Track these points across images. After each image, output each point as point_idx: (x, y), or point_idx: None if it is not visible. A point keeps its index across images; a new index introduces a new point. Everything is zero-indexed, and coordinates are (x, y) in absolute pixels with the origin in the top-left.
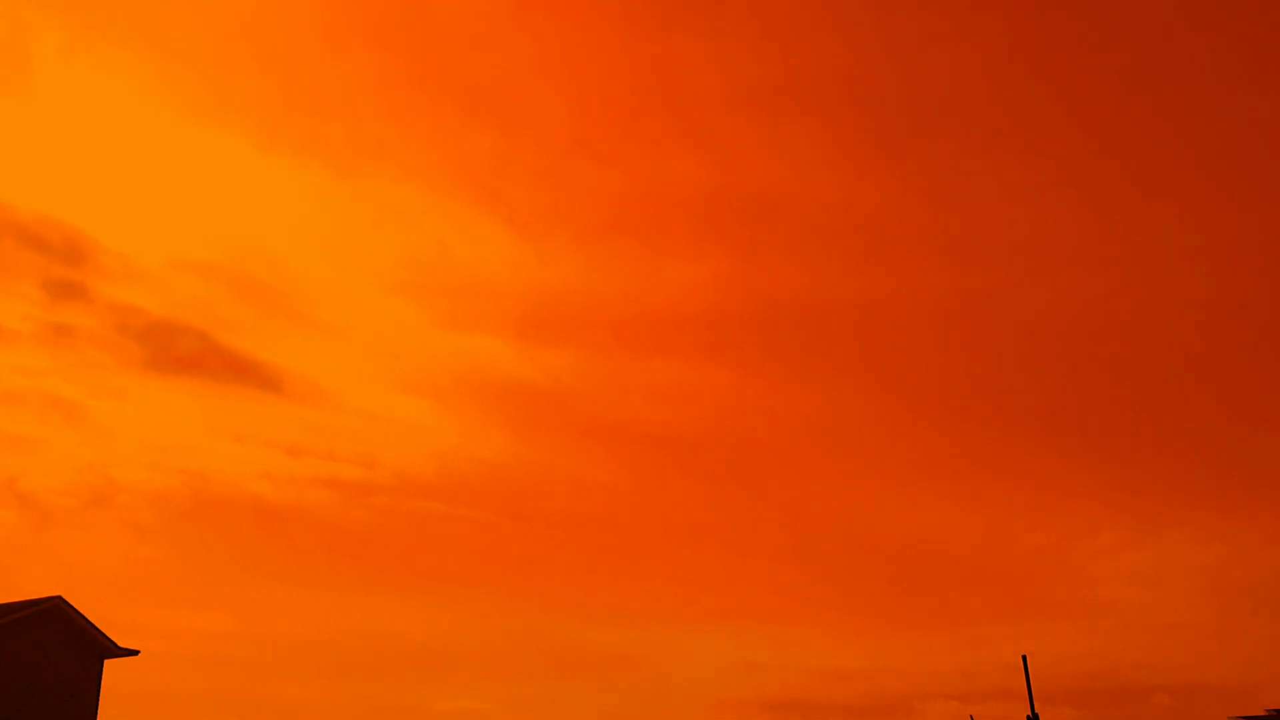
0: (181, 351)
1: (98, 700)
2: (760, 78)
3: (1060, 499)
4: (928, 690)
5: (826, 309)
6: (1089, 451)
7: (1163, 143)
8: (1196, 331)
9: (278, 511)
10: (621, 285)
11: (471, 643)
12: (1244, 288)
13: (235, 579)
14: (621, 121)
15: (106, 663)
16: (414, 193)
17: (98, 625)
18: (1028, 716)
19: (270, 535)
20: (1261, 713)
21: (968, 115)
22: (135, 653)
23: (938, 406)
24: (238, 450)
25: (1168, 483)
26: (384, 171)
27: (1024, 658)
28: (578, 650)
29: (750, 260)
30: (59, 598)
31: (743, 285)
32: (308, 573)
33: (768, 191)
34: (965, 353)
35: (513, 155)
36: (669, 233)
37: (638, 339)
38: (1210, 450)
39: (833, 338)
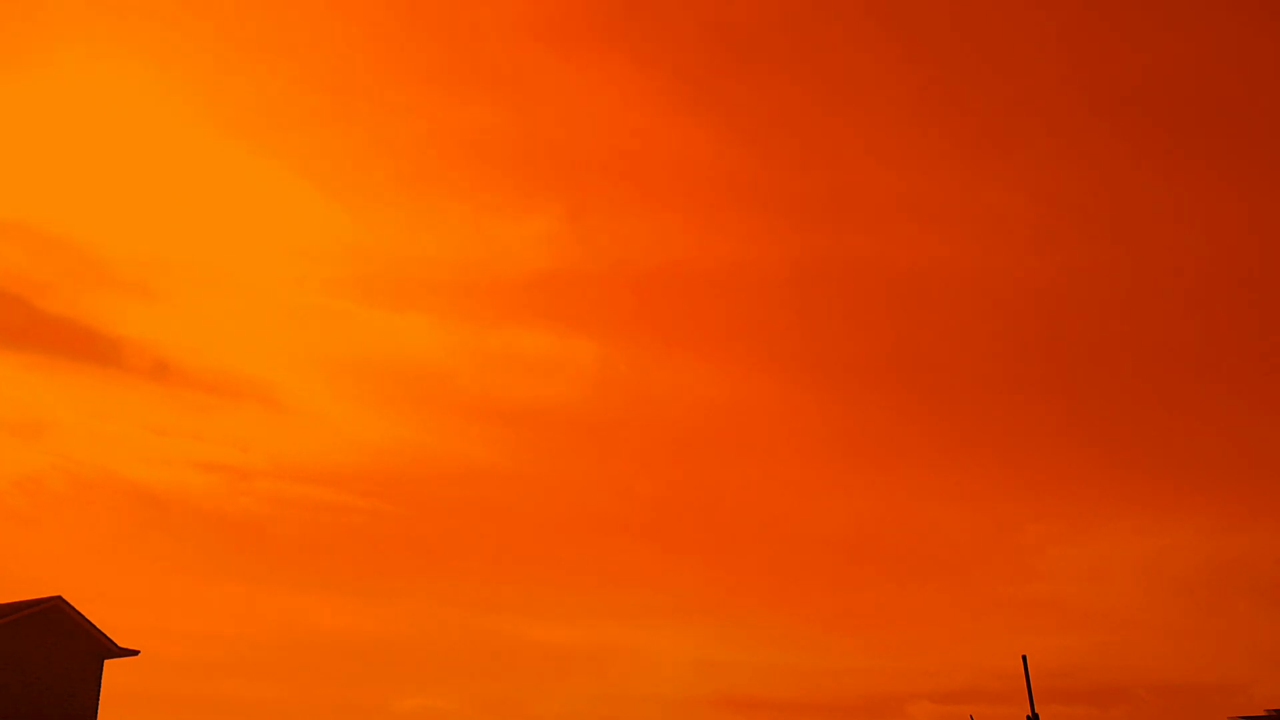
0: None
1: (97, 701)
2: (548, 7)
3: (995, 489)
4: (881, 688)
5: (678, 271)
6: (1021, 439)
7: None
8: (1137, 313)
9: (158, 497)
10: (451, 246)
11: (404, 640)
12: (1174, 265)
13: (133, 569)
14: (401, 66)
15: (106, 663)
16: (237, 152)
17: (98, 625)
18: (1028, 717)
19: (154, 522)
20: (1261, 713)
21: (793, 46)
22: (135, 653)
23: (837, 380)
24: (104, 429)
25: (1104, 474)
26: (203, 131)
27: (1024, 658)
28: (516, 648)
29: (582, 218)
30: (59, 598)
31: (579, 245)
32: (207, 563)
33: (583, 139)
34: (847, 320)
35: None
36: (487, 188)
37: (483, 305)
38: (1147, 441)
39: (698, 303)
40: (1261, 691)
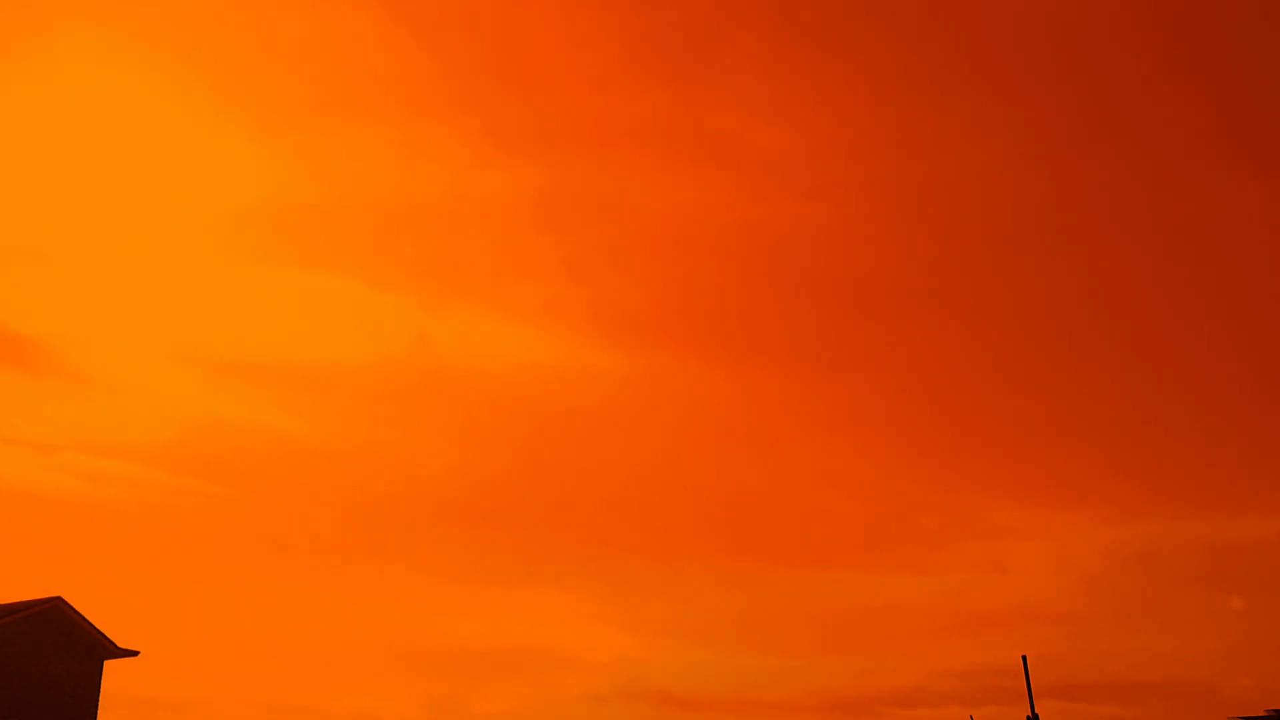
0: None
1: (97, 701)
2: None
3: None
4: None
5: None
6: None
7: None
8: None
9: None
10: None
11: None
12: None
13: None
14: None
15: (106, 664)
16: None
17: (98, 626)
18: (1028, 717)
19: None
20: (1262, 713)
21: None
22: (135, 654)
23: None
24: None
25: (999, 458)
26: None
27: (1024, 658)
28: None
29: (319, 150)
30: (59, 598)
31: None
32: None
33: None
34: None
35: None
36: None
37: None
38: (1050, 430)
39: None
40: (1230, 690)
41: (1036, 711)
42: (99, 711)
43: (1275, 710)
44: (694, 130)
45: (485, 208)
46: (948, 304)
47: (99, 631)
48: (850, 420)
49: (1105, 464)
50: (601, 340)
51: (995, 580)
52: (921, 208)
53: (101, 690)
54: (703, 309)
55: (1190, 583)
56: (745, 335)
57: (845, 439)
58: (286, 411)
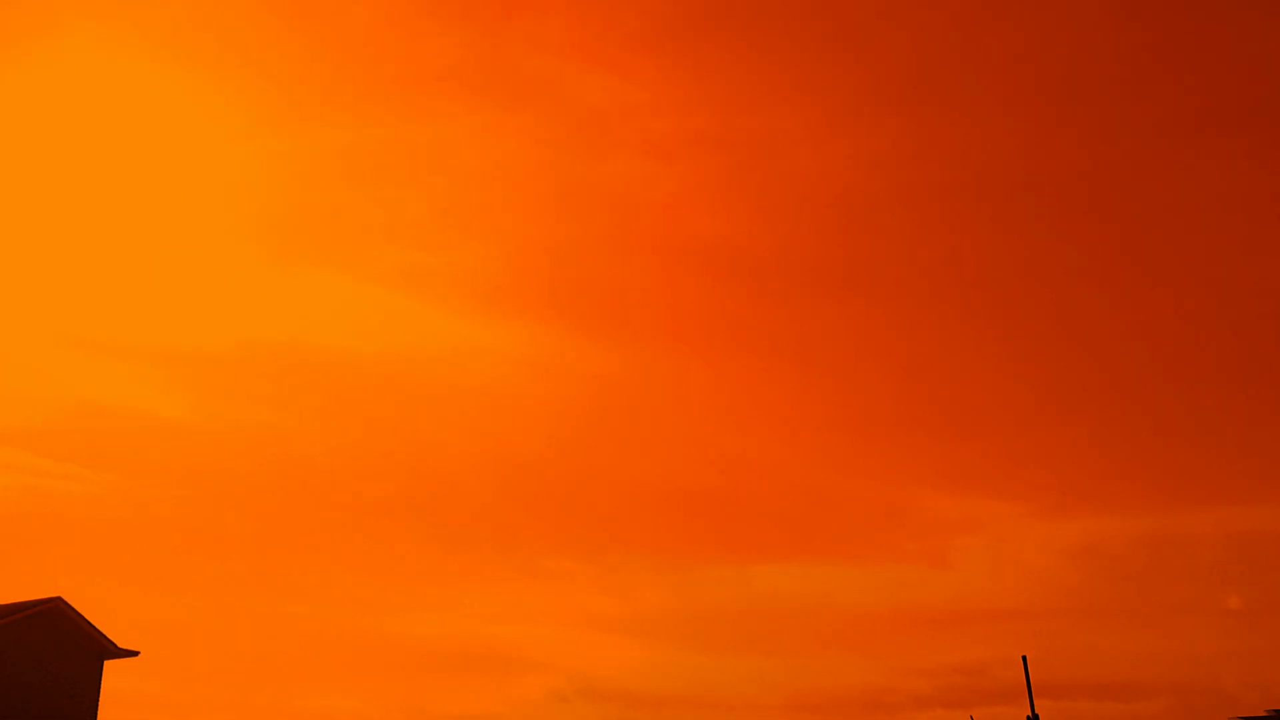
0: None
1: (97, 702)
2: None
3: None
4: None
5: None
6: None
7: None
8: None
9: None
10: None
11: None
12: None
13: None
14: None
15: (106, 664)
16: None
17: (98, 626)
18: (1028, 717)
19: None
20: (1262, 713)
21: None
22: (135, 654)
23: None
24: None
25: (933, 449)
26: None
27: (1024, 658)
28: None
29: None
30: (59, 598)
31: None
32: None
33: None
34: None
35: None
36: None
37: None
38: (989, 421)
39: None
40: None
41: (1036, 711)
42: (99, 711)
43: (1275, 710)
44: (505, 75)
45: (310, 169)
46: (846, 281)
47: (99, 631)
48: (735, 403)
49: (1046, 456)
50: (472, 312)
51: (937, 575)
52: (779, 168)
53: (101, 690)
54: (567, 276)
55: (1134, 578)
56: (629, 308)
57: (741, 424)
58: (162, 393)
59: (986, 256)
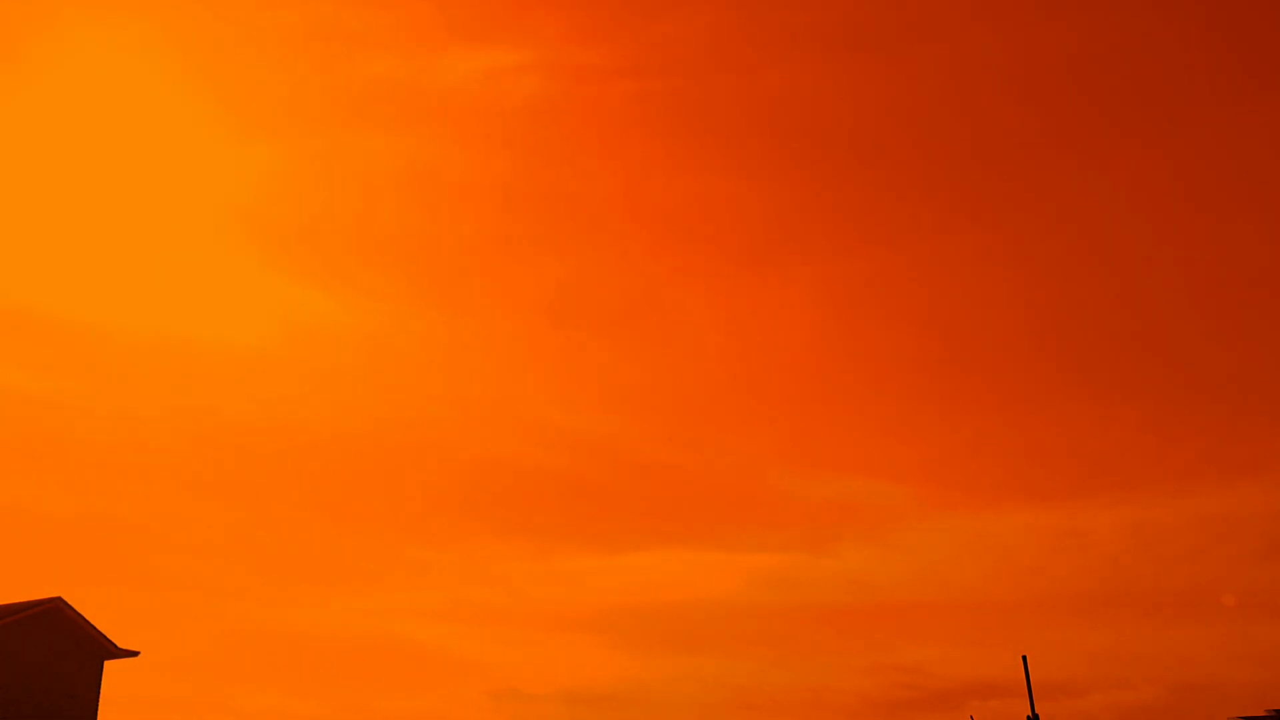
0: None
1: (97, 702)
2: None
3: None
4: None
5: None
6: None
7: None
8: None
9: None
10: None
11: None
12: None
13: None
14: None
15: (106, 664)
16: None
17: (98, 626)
18: (1028, 717)
19: None
20: (1262, 713)
21: None
22: (135, 654)
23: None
24: None
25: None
26: None
27: (1024, 658)
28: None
29: None
30: (59, 599)
31: None
32: None
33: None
34: None
35: None
36: None
37: None
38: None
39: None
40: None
41: (1036, 711)
42: (99, 711)
43: (1275, 710)
44: None
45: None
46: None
47: (99, 632)
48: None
49: (932, 438)
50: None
51: (822, 564)
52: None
53: (101, 690)
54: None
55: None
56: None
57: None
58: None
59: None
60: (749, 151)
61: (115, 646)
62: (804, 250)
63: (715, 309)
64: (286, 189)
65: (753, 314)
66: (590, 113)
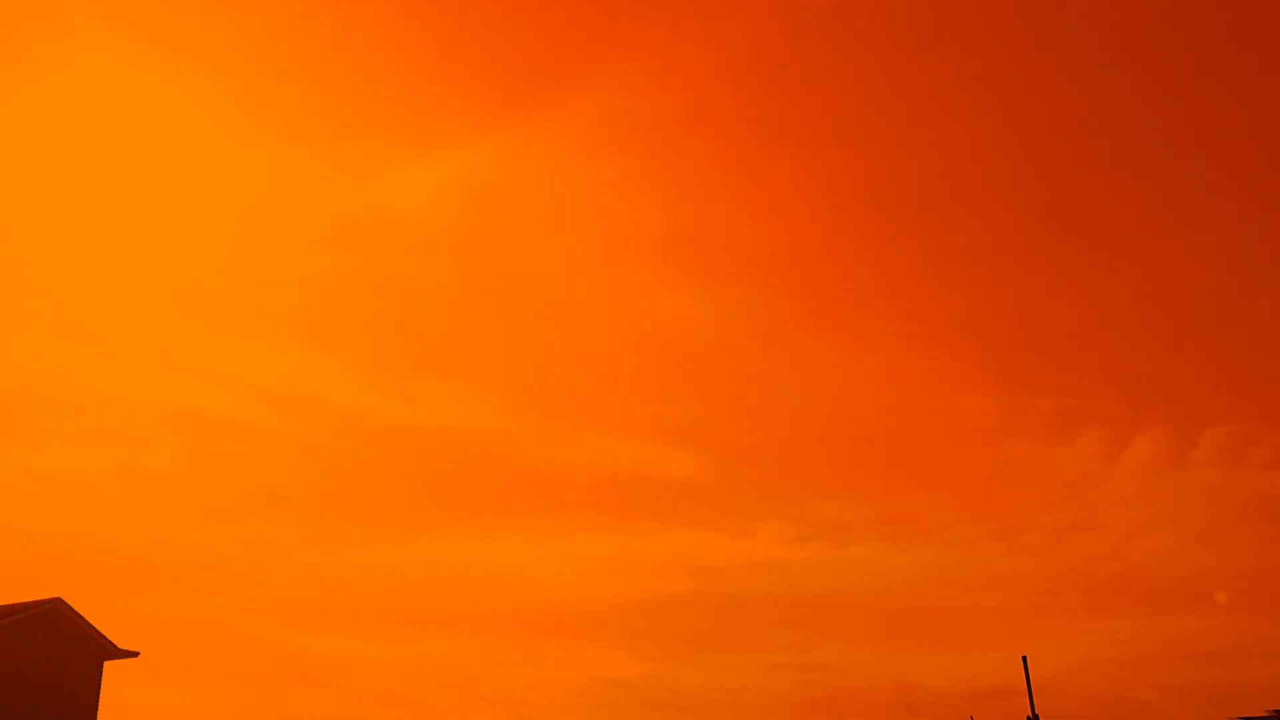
0: None
1: (97, 703)
2: None
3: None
4: None
5: None
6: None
7: None
8: None
9: None
10: None
11: None
12: None
13: None
14: None
15: (106, 665)
16: None
17: (98, 627)
18: (1027, 717)
19: None
20: (1262, 713)
21: None
22: (135, 654)
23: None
24: None
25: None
26: None
27: (1024, 658)
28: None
29: None
30: (59, 599)
31: None
32: None
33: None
34: None
35: None
36: None
37: None
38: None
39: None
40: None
41: (1036, 712)
42: (99, 712)
43: (1275, 711)
44: None
45: None
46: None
47: (99, 632)
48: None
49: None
50: None
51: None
52: None
53: (101, 691)
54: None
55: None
56: None
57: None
58: None
59: None
60: None
61: (115, 647)
62: None
63: None
64: None
65: None
66: None
